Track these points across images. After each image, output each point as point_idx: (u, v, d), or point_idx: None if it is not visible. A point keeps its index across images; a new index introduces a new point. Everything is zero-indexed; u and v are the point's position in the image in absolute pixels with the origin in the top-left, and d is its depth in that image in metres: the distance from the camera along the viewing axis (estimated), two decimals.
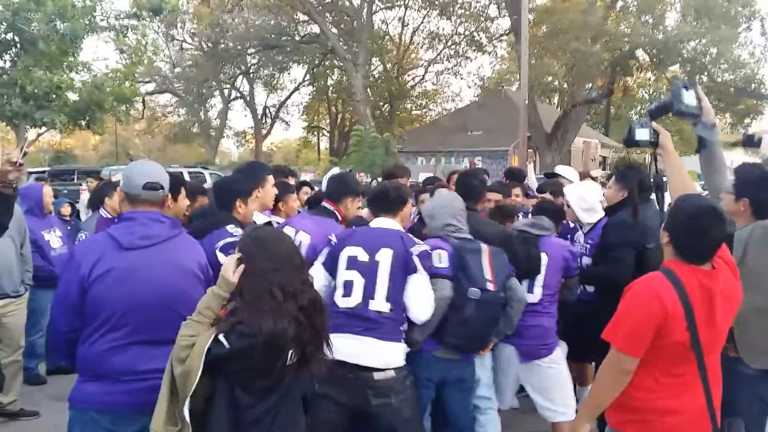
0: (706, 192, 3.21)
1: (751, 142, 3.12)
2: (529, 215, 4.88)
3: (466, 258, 3.25)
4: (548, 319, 3.74)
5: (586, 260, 4.17)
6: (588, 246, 4.22)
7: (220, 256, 3.00)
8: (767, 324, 2.93)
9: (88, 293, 2.47)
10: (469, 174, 4.13)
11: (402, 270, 3.09)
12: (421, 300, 3.11)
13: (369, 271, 3.08)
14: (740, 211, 3.09)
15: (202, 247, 2.89)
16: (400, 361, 3.06)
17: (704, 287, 2.31)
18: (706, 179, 3.38)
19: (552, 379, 3.73)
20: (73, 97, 15.77)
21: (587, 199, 4.22)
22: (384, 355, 3.00)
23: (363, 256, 3.11)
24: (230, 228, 3.21)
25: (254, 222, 3.54)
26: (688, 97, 2.97)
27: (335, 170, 5.78)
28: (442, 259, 3.28)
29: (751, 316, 2.92)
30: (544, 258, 3.73)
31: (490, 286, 3.20)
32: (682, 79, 3.25)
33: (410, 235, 3.32)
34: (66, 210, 7.35)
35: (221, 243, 3.09)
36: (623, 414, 2.45)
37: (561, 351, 3.81)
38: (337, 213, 3.84)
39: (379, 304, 3.03)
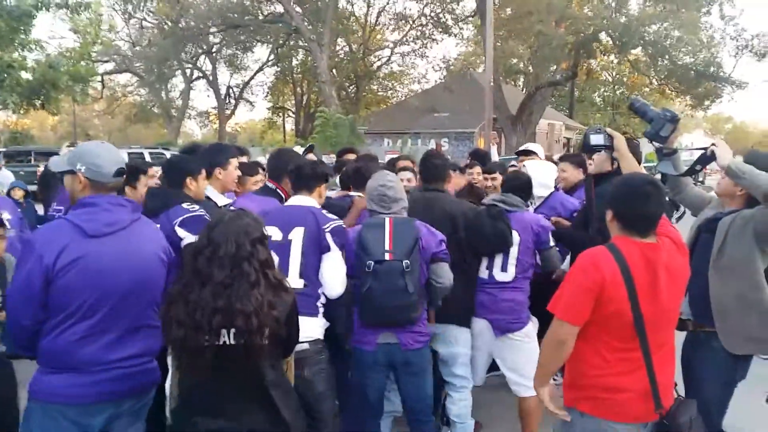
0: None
1: (706, 159, 3.16)
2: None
3: (365, 235, 3.25)
4: (521, 294, 3.78)
5: (540, 218, 4.22)
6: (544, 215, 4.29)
7: (180, 231, 3.08)
8: (747, 311, 2.99)
9: (54, 284, 2.36)
10: (432, 155, 4.08)
11: (315, 247, 3.16)
12: (334, 277, 3.21)
13: (283, 250, 3.11)
14: (736, 194, 3.15)
15: (161, 223, 2.92)
16: (315, 335, 3.11)
17: (647, 259, 2.36)
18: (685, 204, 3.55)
19: (524, 354, 3.73)
20: (26, 76, 15.23)
21: (543, 175, 4.38)
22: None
23: (277, 235, 3.14)
24: (185, 204, 3.22)
25: (207, 198, 3.53)
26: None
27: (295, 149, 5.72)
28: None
29: (731, 303, 3.00)
30: (515, 236, 3.72)
31: (387, 256, 3.18)
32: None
33: (323, 212, 3.33)
34: (17, 194, 7.13)
35: (179, 219, 3.12)
36: (575, 391, 2.50)
37: (533, 326, 3.84)
38: (279, 191, 3.80)
39: (293, 280, 3.06)
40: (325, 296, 3.23)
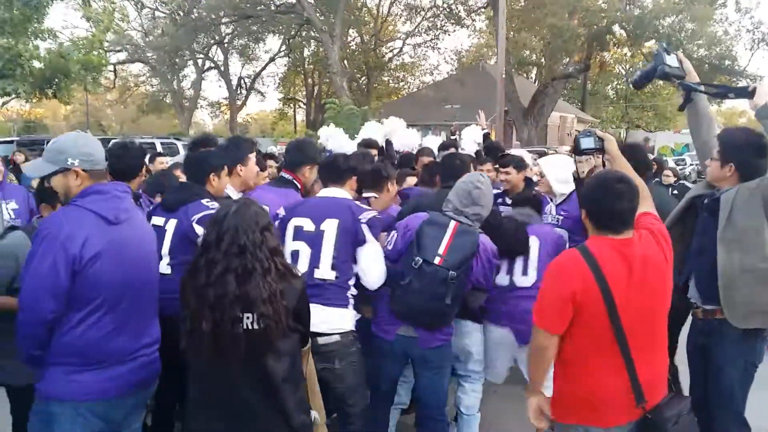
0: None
1: (744, 93, 3.14)
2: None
3: (425, 229, 3.21)
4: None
5: (559, 231, 4.14)
6: (561, 217, 4.18)
7: (197, 228, 3.05)
8: (753, 283, 2.96)
9: (81, 275, 2.25)
10: (451, 155, 4.04)
11: (350, 239, 3.12)
12: (372, 269, 3.17)
13: (314, 241, 3.10)
14: (726, 176, 3.12)
15: (179, 219, 3.08)
16: (347, 327, 3.10)
17: (621, 255, 2.34)
18: (695, 135, 3.46)
19: None
20: (38, 65, 15.28)
21: (562, 171, 4.21)
22: (328, 321, 3.02)
23: (309, 226, 3.13)
24: (205, 201, 3.21)
25: (228, 196, 3.50)
26: (671, 60, 3.19)
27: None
28: (391, 242, 3.34)
29: (737, 275, 2.96)
30: (535, 241, 3.67)
31: (437, 260, 3.13)
32: (662, 45, 3.33)
33: (359, 204, 3.28)
34: (33, 182, 7.10)
35: (197, 216, 3.12)
36: (560, 406, 2.51)
37: None
38: (296, 182, 3.78)
39: (324, 272, 3.07)
40: (356, 287, 3.19)
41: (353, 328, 3.15)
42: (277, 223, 3.22)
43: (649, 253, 2.39)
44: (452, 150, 5.84)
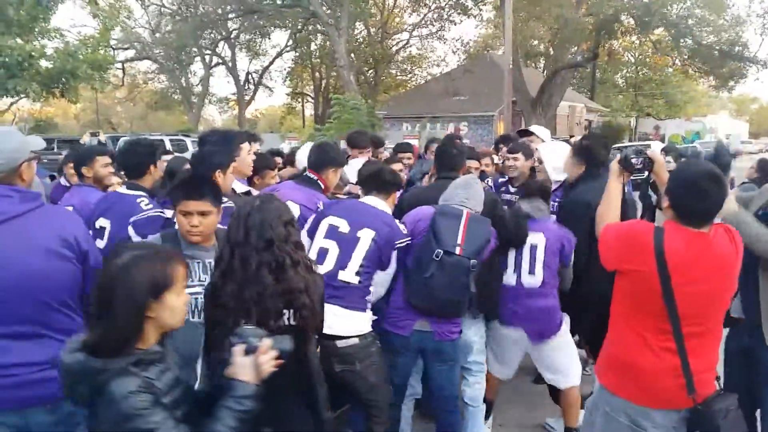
0: None
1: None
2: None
3: (440, 221, 3.22)
4: (553, 300, 3.69)
5: (565, 229, 4.12)
6: (554, 204, 4.18)
7: None
8: None
9: None
10: (448, 144, 4.08)
11: (379, 255, 3.20)
12: (383, 284, 3.35)
13: (347, 244, 3.14)
14: None
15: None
16: (365, 329, 3.14)
17: (691, 246, 2.33)
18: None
19: (561, 353, 3.75)
20: (45, 64, 15.37)
21: (560, 159, 4.20)
22: (348, 324, 3.07)
23: (344, 227, 3.17)
24: None
25: (234, 191, 3.53)
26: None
27: (307, 146, 5.70)
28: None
29: None
30: (542, 238, 3.65)
31: (457, 250, 3.15)
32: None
33: (398, 222, 3.36)
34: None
35: None
36: (608, 369, 2.55)
37: (565, 324, 3.79)
38: (320, 183, 3.79)
39: (349, 275, 3.11)
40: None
41: (371, 329, 3.19)
42: (312, 217, 3.32)
43: (720, 251, 2.38)
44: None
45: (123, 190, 3.51)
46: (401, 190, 4.19)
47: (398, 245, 3.28)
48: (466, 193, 3.38)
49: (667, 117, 40.78)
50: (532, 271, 3.65)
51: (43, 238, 2.30)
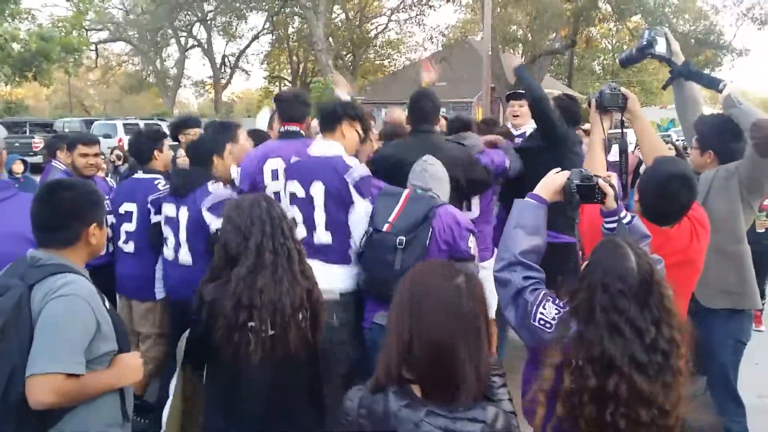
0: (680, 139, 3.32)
1: (714, 86, 3.25)
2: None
3: (379, 201, 3.14)
4: (486, 226, 3.96)
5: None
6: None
7: (207, 216, 3.22)
8: (724, 264, 3.04)
9: None
10: (422, 96, 3.89)
11: (337, 202, 3.13)
12: (359, 229, 3.12)
13: (306, 207, 3.16)
14: (707, 164, 3.22)
15: (188, 207, 3.03)
16: (347, 286, 3.15)
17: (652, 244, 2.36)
18: (681, 116, 3.50)
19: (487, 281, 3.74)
20: (17, 47, 14.99)
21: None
22: (328, 278, 2.99)
23: (300, 191, 3.17)
24: (210, 186, 3.34)
25: (233, 183, 3.59)
26: (659, 47, 3.27)
27: (265, 111, 5.65)
28: None
29: (710, 257, 2.95)
30: None
31: (385, 227, 3.01)
32: (651, 34, 3.34)
33: (344, 158, 3.18)
34: (18, 167, 6.95)
35: (209, 204, 3.25)
36: None
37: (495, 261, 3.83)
38: (302, 131, 3.71)
39: (321, 235, 3.13)
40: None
41: (353, 288, 3.15)
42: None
43: (680, 246, 2.42)
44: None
45: (139, 174, 3.90)
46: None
47: (352, 181, 3.09)
48: (429, 175, 3.18)
49: (644, 105, 41.14)
50: (469, 209, 3.89)
51: (18, 225, 2.29)
